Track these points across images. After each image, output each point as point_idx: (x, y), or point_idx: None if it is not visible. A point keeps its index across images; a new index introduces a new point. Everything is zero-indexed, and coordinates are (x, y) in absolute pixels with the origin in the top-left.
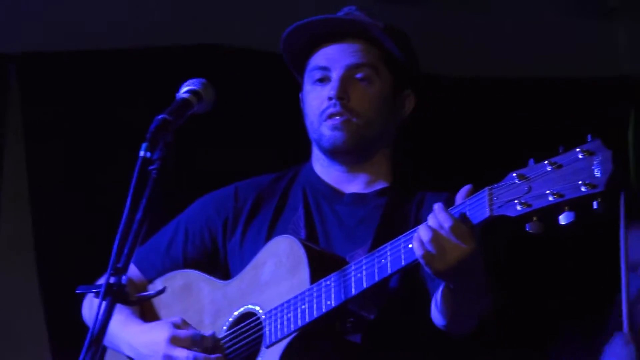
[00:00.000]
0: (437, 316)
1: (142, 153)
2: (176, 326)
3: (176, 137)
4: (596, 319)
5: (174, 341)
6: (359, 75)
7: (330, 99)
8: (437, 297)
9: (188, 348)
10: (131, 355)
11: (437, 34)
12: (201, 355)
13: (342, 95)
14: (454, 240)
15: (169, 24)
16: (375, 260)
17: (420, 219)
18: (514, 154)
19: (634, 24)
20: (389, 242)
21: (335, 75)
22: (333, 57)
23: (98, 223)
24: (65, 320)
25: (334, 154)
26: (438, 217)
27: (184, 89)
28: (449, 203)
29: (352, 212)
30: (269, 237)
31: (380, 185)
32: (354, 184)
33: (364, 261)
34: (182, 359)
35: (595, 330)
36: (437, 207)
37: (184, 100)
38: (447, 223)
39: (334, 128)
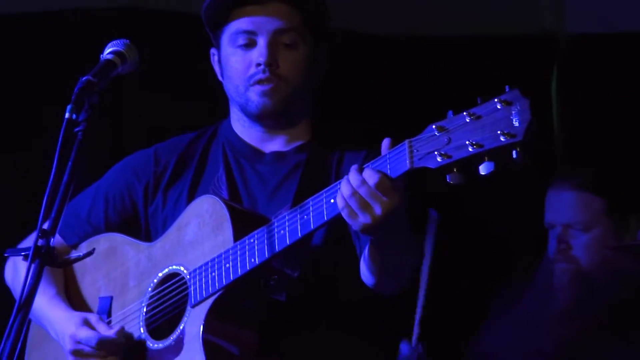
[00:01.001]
0: (366, 274)
1: (67, 115)
2: (85, 322)
3: (101, 99)
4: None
5: (75, 340)
6: (286, 42)
7: (258, 65)
8: (365, 255)
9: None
10: (56, 339)
11: None
12: None
13: (271, 62)
14: (378, 194)
15: None
16: (298, 216)
17: (340, 175)
18: (435, 111)
19: None
20: (311, 197)
21: (262, 41)
22: (259, 22)
23: (24, 186)
24: None
25: (259, 118)
26: (360, 173)
27: (108, 50)
28: (368, 160)
29: (273, 171)
30: (190, 199)
31: (299, 142)
32: (274, 143)
33: (287, 217)
34: None
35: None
36: (356, 165)
37: (108, 61)
38: (371, 179)
39: (263, 94)
